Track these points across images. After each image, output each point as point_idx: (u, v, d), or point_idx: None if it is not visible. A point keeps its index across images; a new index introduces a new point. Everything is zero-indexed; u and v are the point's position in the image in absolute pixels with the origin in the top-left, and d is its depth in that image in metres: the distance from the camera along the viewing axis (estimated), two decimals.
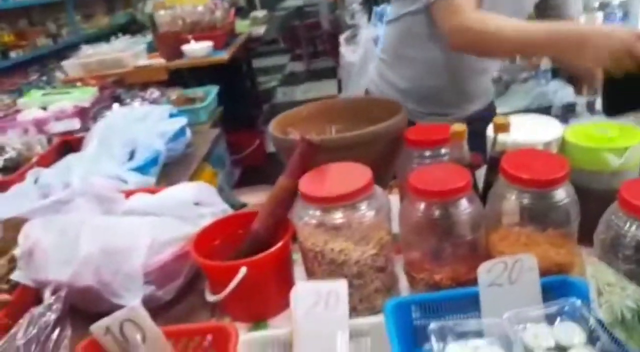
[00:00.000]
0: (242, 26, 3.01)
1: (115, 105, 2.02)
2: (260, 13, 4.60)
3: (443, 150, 0.89)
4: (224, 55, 2.69)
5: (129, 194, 1.00)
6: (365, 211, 0.76)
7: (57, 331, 0.70)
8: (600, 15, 2.30)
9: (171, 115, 1.68)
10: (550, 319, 0.65)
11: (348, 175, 0.79)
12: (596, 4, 2.33)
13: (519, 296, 0.67)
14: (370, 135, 0.92)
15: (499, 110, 2.39)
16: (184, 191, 0.97)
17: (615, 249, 0.61)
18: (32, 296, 0.85)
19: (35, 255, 0.84)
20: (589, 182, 0.81)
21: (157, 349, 0.65)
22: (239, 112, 2.60)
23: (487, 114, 1.33)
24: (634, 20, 2.24)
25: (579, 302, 0.62)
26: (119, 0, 6.29)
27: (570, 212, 0.71)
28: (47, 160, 1.45)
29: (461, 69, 1.29)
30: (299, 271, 0.85)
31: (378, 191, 0.80)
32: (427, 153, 0.91)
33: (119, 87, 2.35)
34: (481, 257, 0.74)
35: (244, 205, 1.15)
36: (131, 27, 5.03)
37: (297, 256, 0.85)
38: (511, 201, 0.73)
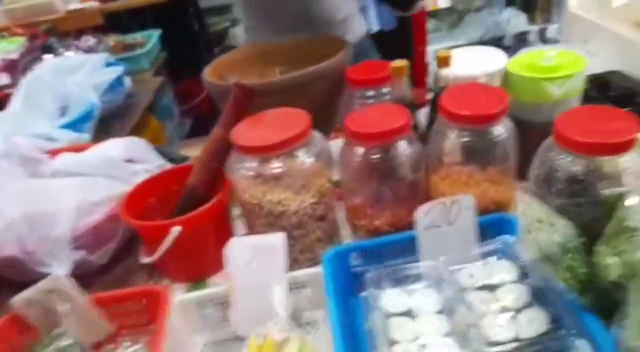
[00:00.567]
0: None
1: (47, 56, 1.86)
2: None
3: (385, 89, 0.85)
4: None
5: (55, 153, 0.93)
6: (304, 158, 0.73)
7: None
8: None
9: (108, 65, 1.56)
10: (486, 258, 0.65)
11: (284, 121, 0.75)
12: None
13: (457, 237, 0.66)
14: (308, 76, 0.86)
15: (453, 43, 2.35)
16: (114, 147, 0.90)
17: (548, 183, 0.60)
18: None
19: None
20: (531, 115, 0.79)
21: (86, 318, 0.62)
22: (187, 58, 2.44)
23: None
24: None
25: (512, 239, 0.62)
26: None
27: (508, 148, 0.69)
28: None
29: None
30: (241, 224, 0.82)
31: (316, 137, 0.76)
32: (370, 93, 0.87)
33: (50, 35, 2.16)
34: (422, 200, 0.73)
35: (185, 158, 1.09)
36: None
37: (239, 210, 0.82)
38: (450, 139, 0.70)
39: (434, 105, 0.80)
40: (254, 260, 0.66)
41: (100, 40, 1.99)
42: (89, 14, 2.30)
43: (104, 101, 1.38)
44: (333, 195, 0.78)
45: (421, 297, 0.63)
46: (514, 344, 0.55)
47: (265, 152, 0.70)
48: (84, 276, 0.78)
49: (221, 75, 1.02)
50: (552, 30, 2.28)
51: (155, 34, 2.08)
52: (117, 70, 1.51)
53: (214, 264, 0.75)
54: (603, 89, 0.93)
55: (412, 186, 0.73)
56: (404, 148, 0.69)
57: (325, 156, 0.76)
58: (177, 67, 2.38)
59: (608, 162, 0.58)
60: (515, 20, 2.33)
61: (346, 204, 0.79)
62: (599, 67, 1.03)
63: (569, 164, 0.58)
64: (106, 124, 1.38)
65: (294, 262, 0.75)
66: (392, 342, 0.58)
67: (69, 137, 1.15)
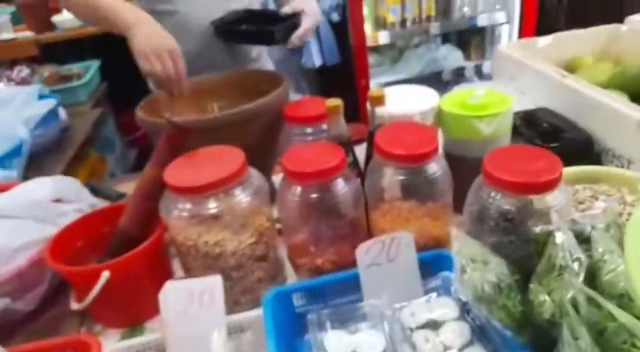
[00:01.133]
0: None
1: None
2: None
3: (324, 126, 0.86)
4: None
5: None
6: (241, 197, 0.71)
7: None
8: None
9: (42, 97, 1.49)
10: (428, 294, 0.65)
11: (219, 160, 0.73)
12: None
13: (399, 274, 0.66)
14: (247, 113, 0.86)
15: (395, 77, 2.44)
16: (40, 186, 0.85)
17: (482, 220, 0.62)
18: None
19: None
20: (463, 151, 0.82)
21: None
22: (130, 88, 2.38)
23: None
24: None
25: (451, 275, 0.63)
26: None
27: (443, 185, 0.70)
28: None
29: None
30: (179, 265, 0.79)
31: (253, 174, 0.74)
32: (308, 130, 0.87)
33: None
34: (363, 237, 0.73)
35: (122, 195, 1.04)
36: None
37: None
38: (387, 177, 0.71)
39: (371, 142, 0.81)
40: (190, 305, 0.63)
41: (34, 70, 1.91)
42: (23, 44, 2.20)
43: (36, 136, 1.30)
44: (274, 233, 0.77)
45: (365, 338, 0.61)
46: None
47: (200, 192, 0.68)
48: (9, 325, 0.72)
49: (157, 110, 0.99)
50: (487, 66, 2.42)
51: (94, 65, 2.02)
52: (51, 103, 1.44)
53: (151, 308, 0.70)
54: (532, 124, 0.98)
55: (352, 223, 0.73)
56: (341, 186, 0.69)
57: (264, 194, 0.75)
58: (120, 97, 2.30)
59: (537, 200, 0.60)
60: (452, 56, 2.46)
61: (287, 243, 0.77)
62: (528, 103, 1.09)
63: (499, 202, 0.60)
64: (39, 159, 1.31)
65: (235, 305, 0.73)
66: None
67: None
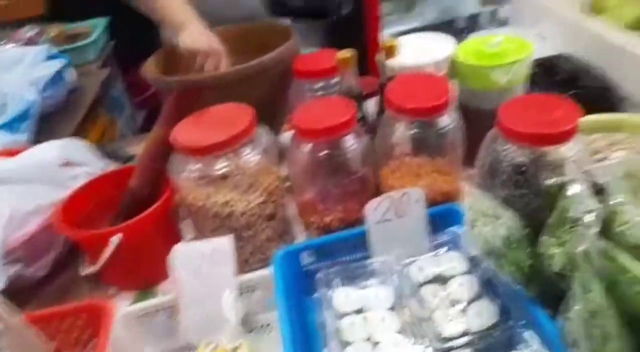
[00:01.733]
0: None
1: None
2: None
3: (334, 80, 0.83)
4: None
5: None
6: (250, 157, 0.70)
7: None
8: None
9: (50, 57, 1.47)
10: (436, 250, 0.64)
11: (227, 119, 0.72)
12: None
13: (408, 230, 0.65)
14: (256, 68, 0.83)
15: (408, 26, 2.34)
16: (49, 150, 0.85)
17: (493, 174, 0.60)
18: None
19: None
20: (479, 102, 0.79)
21: (21, 339, 0.58)
22: (139, 46, 2.34)
23: None
24: None
25: (460, 231, 0.62)
26: None
27: (455, 138, 0.68)
28: None
29: None
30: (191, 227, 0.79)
31: (262, 133, 0.73)
32: (319, 84, 0.84)
33: None
34: (372, 194, 0.72)
35: (132, 157, 1.04)
36: None
37: None
38: (398, 132, 0.69)
39: (382, 96, 0.78)
40: (201, 266, 0.64)
41: (42, 30, 1.88)
42: (29, 2, 2.15)
43: (45, 97, 1.29)
44: (283, 192, 0.76)
45: (373, 294, 0.62)
46: (465, 339, 0.55)
47: (208, 152, 0.67)
48: (22, 291, 0.74)
49: (165, 67, 0.97)
50: (503, 11, 2.29)
51: (102, 22, 1.97)
52: (59, 63, 1.42)
53: (162, 270, 0.71)
54: (549, 73, 0.93)
55: (361, 180, 0.72)
56: (351, 143, 0.68)
57: (273, 152, 0.74)
58: (129, 56, 2.26)
59: (551, 152, 0.58)
60: (467, 2, 2.33)
61: (297, 201, 0.77)
62: (548, 50, 1.03)
63: (513, 154, 0.58)
64: (49, 122, 1.30)
65: (245, 264, 0.73)
66: (345, 344, 0.57)
67: (3, 139, 1.08)
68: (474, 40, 0.83)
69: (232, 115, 0.72)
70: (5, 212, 0.72)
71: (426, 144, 0.69)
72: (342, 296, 0.61)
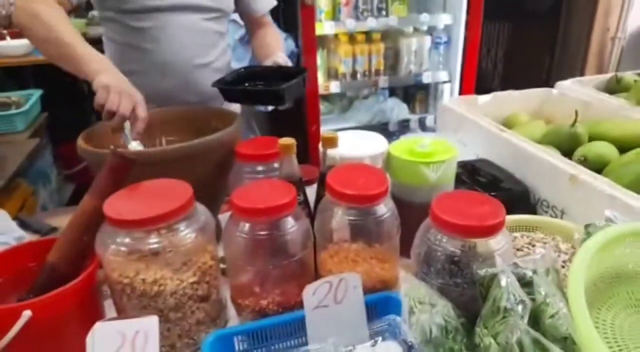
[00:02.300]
0: (78, 25, 2.68)
1: None
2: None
3: (275, 165, 0.85)
4: None
5: None
6: (186, 233, 0.68)
7: None
8: (428, 39, 2.55)
9: None
10: (374, 338, 0.64)
11: (165, 193, 0.70)
12: (425, 28, 2.58)
13: (345, 316, 0.64)
14: (198, 148, 0.84)
15: (344, 125, 2.54)
16: None
17: (429, 263, 0.62)
18: None
19: None
20: (410, 196, 0.84)
21: None
22: (73, 120, 2.29)
23: None
24: (455, 43, 2.53)
25: (398, 319, 0.62)
26: None
27: (391, 227, 0.71)
28: None
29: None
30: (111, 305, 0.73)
31: (200, 210, 0.72)
32: (259, 168, 0.86)
33: None
34: (310, 278, 0.71)
35: (53, 230, 0.97)
36: None
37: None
38: (337, 217, 0.71)
39: (322, 183, 0.81)
40: (121, 349, 0.58)
41: None
42: None
43: None
44: (218, 273, 0.73)
45: None
46: None
47: (140, 225, 0.65)
48: None
49: (100, 141, 0.95)
50: (430, 119, 2.56)
51: (35, 94, 1.93)
52: None
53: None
54: (473, 174, 1.02)
55: (300, 263, 0.71)
56: (291, 224, 0.68)
57: (210, 231, 0.72)
58: (62, 128, 2.20)
59: (481, 244, 0.62)
60: (398, 109, 2.59)
61: (231, 283, 0.74)
62: (468, 155, 1.14)
63: (446, 244, 0.61)
64: None
65: (172, 349, 0.68)
66: None
67: None
68: (406, 140, 0.91)
69: (169, 190, 0.71)
70: None
71: (364, 230, 0.71)
72: None
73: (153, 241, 0.66)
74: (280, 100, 1.02)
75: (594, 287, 0.60)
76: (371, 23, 2.39)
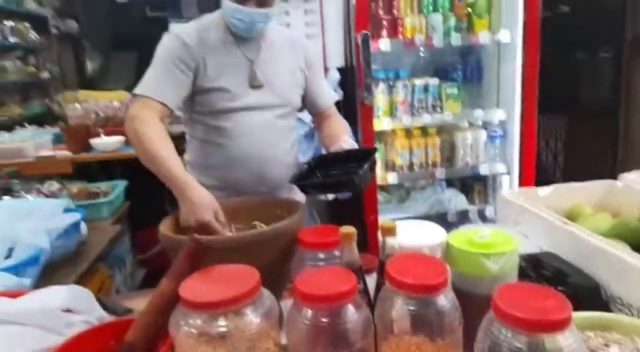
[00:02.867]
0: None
1: (5, 198, 1.85)
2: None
3: (337, 253, 0.89)
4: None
5: None
6: (252, 318, 0.72)
7: None
8: (483, 132, 2.60)
9: (67, 210, 1.56)
10: None
11: (234, 278, 0.75)
12: (479, 122, 2.64)
13: None
14: (265, 236, 0.91)
15: (402, 215, 2.57)
16: (52, 294, 0.86)
17: None
18: None
19: None
20: (471, 287, 0.84)
21: None
22: (151, 210, 2.49)
23: None
24: (511, 137, 2.55)
25: None
26: (36, 90, 6.10)
27: (452, 318, 0.71)
28: None
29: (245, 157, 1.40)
30: None
31: (266, 295, 0.76)
32: (321, 255, 0.90)
33: (15, 178, 2.19)
34: None
35: (128, 311, 1.04)
36: (46, 119, 4.84)
37: None
38: (397, 306, 0.72)
39: (381, 271, 0.83)
40: None
41: (64, 186, 2.03)
42: (59, 162, 2.38)
43: (56, 247, 1.34)
44: None
45: None
46: None
47: (211, 308, 0.69)
48: None
49: (178, 229, 1.04)
50: (489, 210, 2.52)
51: (121, 185, 2.15)
52: (74, 216, 1.51)
53: None
54: (537, 267, 1.00)
55: None
56: (352, 313, 0.70)
57: (274, 317, 0.75)
58: (139, 216, 2.40)
59: (548, 340, 0.60)
60: (456, 200, 2.59)
61: None
62: (531, 248, 1.12)
63: (511, 340, 0.60)
64: (54, 270, 1.33)
65: None
66: None
67: (8, 282, 1.09)
68: (464, 230, 0.92)
69: (238, 275, 0.76)
70: None
71: (425, 322, 0.71)
72: None
73: (221, 324, 0.70)
74: (355, 187, 1.07)
75: None
76: (426, 119, 2.50)
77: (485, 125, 2.64)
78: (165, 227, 0.99)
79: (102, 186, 2.08)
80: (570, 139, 3.38)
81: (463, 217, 2.54)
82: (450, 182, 2.78)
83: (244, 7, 1.31)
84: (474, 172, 2.59)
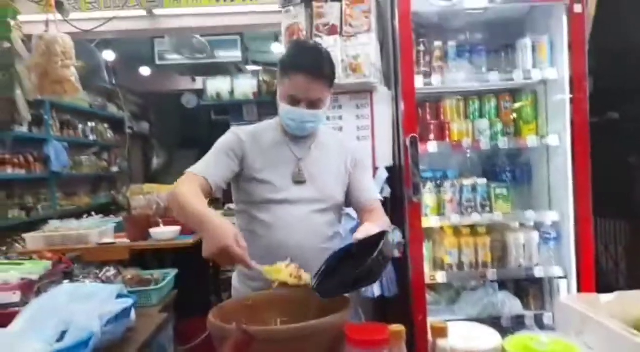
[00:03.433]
0: None
1: (65, 282, 1.94)
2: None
3: (385, 351, 0.87)
4: (190, 240, 2.75)
5: None
6: None
7: None
8: (536, 234, 2.51)
9: (120, 296, 1.62)
10: None
11: None
12: (531, 224, 2.57)
13: None
14: (311, 329, 0.90)
15: (452, 317, 2.43)
16: None
17: None
18: None
19: None
20: None
21: None
22: (196, 299, 2.52)
23: None
24: (567, 239, 2.44)
25: None
26: (104, 182, 6.61)
27: None
28: None
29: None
30: None
31: None
32: None
33: (77, 263, 2.30)
34: None
35: None
36: (111, 208, 5.19)
37: None
38: None
39: None
40: None
41: (120, 272, 2.11)
42: (118, 249, 2.51)
43: (106, 331, 1.37)
44: None
45: None
46: None
47: None
48: None
49: (226, 318, 1.05)
50: (547, 317, 2.35)
51: (171, 273, 2.21)
52: (126, 302, 1.56)
53: None
54: None
55: None
56: None
57: None
58: (185, 305, 2.42)
59: None
60: (510, 303, 2.44)
61: None
62: None
63: None
64: None
65: None
66: None
67: None
68: (521, 336, 0.88)
69: None
70: None
71: None
72: None
73: None
74: (370, 278, 1.08)
75: None
76: (475, 218, 2.47)
77: (538, 227, 2.56)
78: (214, 316, 1.00)
79: (155, 273, 2.14)
80: (632, 246, 3.19)
81: (519, 323, 2.37)
82: (503, 284, 2.64)
83: (296, 108, 1.46)
84: (528, 274, 2.47)
